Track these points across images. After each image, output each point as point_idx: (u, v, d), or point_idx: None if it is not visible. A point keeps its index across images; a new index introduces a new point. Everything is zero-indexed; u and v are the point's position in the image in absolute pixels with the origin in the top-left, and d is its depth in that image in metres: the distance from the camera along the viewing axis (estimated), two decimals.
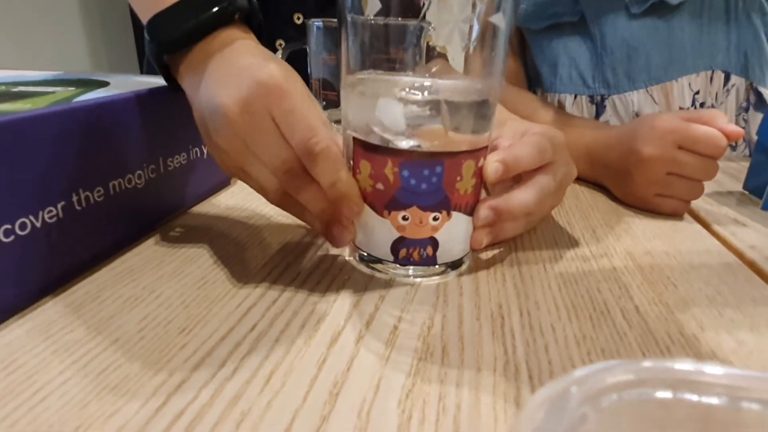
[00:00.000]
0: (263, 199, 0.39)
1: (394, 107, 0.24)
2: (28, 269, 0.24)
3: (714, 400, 0.11)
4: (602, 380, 0.11)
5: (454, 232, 0.26)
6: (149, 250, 0.30)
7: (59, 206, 0.25)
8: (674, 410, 0.11)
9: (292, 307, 0.25)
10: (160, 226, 0.33)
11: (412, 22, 0.25)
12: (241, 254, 0.30)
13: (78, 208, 0.26)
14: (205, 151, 0.38)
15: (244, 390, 0.19)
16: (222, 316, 0.24)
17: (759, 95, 0.53)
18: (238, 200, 0.39)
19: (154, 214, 0.33)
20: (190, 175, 0.36)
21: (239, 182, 0.43)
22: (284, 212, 0.36)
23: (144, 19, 0.29)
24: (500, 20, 0.24)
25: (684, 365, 0.11)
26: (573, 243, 0.33)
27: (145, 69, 0.68)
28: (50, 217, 0.24)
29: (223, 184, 0.42)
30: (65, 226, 0.25)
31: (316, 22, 0.47)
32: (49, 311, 0.24)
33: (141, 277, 0.27)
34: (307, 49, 0.48)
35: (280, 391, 0.19)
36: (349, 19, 0.25)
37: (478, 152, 0.25)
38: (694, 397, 0.11)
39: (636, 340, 0.23)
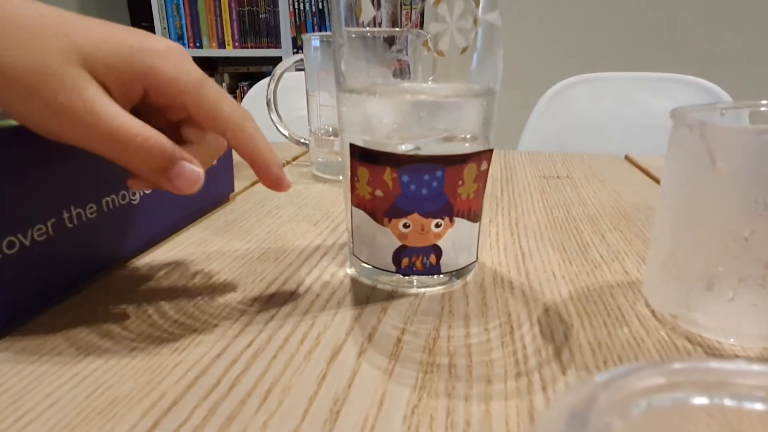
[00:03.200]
0: (263, 215, 0.39)
1: (390, 111, 0.23)
2: (17, 289, 0.23)
3: (759, 406, 0.09)
4: (630, 385, 0.10)
5: (457, 239, 0.25)
6: (144, 267, 0.29)
7: (49, 224, 0.24)
8: (712, 418, 0.09)
9: (291, 322, 0.23)
10: (156, 243, 0.33)
11: (407, 29, 0.25)
12: (239, 270, 0.29)
13: (69, 225, 0.25)
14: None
15: (239, 410, 0.18)
16: (217, 333, 0.23)
17: None
18: (237, 216, 0.38)
19: (150, 230, 0.32)
20: None
21: (239, 198, 0.42)
22: (282, 228, 0.36)
23: None
24: (497, 19, 0.23)
25: (722, 365, 0.10)
26: (582, 248, 0.32)
27: None
28: (40, 235, 0.24)
29: (222, 200, 0.41)
30: (56, 245, 0.24)
31: (314, 38, 0.47)
32: (38, 332, 0.23)
33: (134, 295, 0.26)
34: (303, 65, 0.48)
35: (277, 411, 0.18)
36: (342, 27, 0.24)
37: (479, 155, 0.24)
38: (735, 403, 0.09)
39: (654, 346, 0.22)
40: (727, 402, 0.09)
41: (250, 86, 1.10)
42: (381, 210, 0.24)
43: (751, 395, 0.09)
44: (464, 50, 0.24)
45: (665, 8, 1.54)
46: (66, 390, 0.19)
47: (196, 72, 0.22)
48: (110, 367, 0.20)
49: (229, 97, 0.23)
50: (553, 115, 0.93)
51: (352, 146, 0.24)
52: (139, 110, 0.23)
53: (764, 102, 0.23)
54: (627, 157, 0.59)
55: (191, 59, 0.23)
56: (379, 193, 0.24)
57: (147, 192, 0.31)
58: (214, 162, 0.26)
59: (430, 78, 0.25)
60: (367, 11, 0.25)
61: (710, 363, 0.10)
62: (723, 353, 0.21)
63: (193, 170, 0.22)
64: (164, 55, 0.22)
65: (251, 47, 1.87)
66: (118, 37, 0.21)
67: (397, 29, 0.25)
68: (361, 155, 0.24)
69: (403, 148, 0.24)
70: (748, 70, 1.54)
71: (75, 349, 0.21)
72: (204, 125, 0.24)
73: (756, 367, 0.10)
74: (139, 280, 0.27)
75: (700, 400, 0.10)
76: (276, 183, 0.24)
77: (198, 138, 0.25)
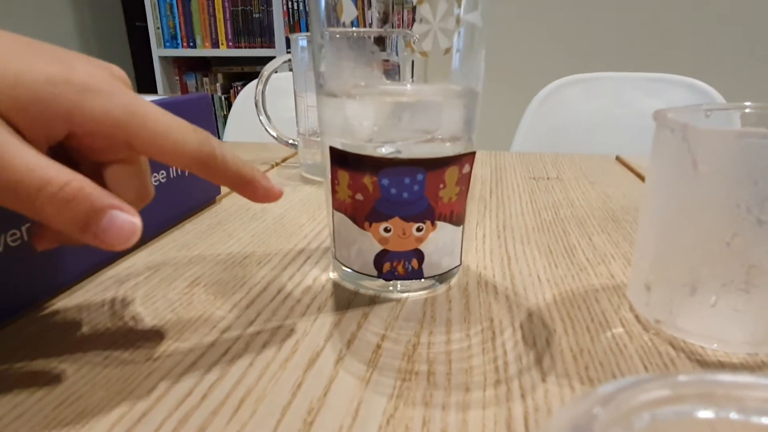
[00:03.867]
0: (247, 218, 0.38)
1: (369, 113, 0.23)
2: None
3: (766, 420, 0.09)
4: (633, 397, 0.09)
5: (440, 243, 0.25)
6: (123, 271, 0.29)
7: (24, 229, 0.24)
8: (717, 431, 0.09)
9: (270, 328, 0.23)
10: (137, 247, 0.32)
11: (386, 29, 0.24)
12: (220, 274, 0.28)
13: None
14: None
15: (211, 420, 0.17)
16: (194, 340, 0.22)
17: None
18: (221, 218, 0.38)
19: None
20: (171, 193, 0.35)
21: (224, 200, 0.42)
22: (267, 231, 0.35)
23: None
24: (478, 19, 0.23)
25: (729, 378, 0.10)
26: (569, 251, 0.32)
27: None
28: (13, 241, 0.23)
29: (206, 202, 0.41)
30: (31, 251, 0.24)
31: (301, 38, 0.46)
32: (11, 339, 0.22)
33: (112, 300, 0.25)
34: (292, 65, 0.47)
35: (250, 421, 0.17)
36: (322, 27, 0.24)
37: (461, 158, 0.24)
38: (742, 417, 0.09)
39: (637, 352, 0.21)
40: (734, 416, 0.09)
41: (244, 86, 1.10)
42: (361, 214, 0.24)
43: (758, 409, 0.09)
44: (447, 51, 0.24)
45: (659, 8, 1.54)
46: (35, 400, 0.18)
47: (133, 100, 0.19)
48: (82, 376, 0.20)
49: (179, 120, 0.20)
50: (546, 116, 0.92)
51: (332, 149, 0.24)
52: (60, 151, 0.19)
53: (748, 104, 0.23)
54: (618, 158, 0.58)
55: (126, 80, 0.20)
56: (359, 196, 0.24)
57: None
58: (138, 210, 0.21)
59: (411, 79, 0.25)
60: (349, 11, 0.24)
61: (717, 375, 0.10)
62: (706, 359, 0.21)
63: (125, 221, 0.17)
64: (90, 85, 0.18)
65: (245, 47, 1.86)
66: (34, 68, 0.17)
67: (381, 30, 0.25)
68: (340, 158, 0.24)
69: (383, 150, 0.23)
70: (742, 71, 1.54)
71: (47, 358, 0.21)
72: (158, 159, 0.20)
73: (764, 380, 0.09)
74: (116, 285, 0.27)
75: (706, 414, 0.09)
76: (268, 196, 0.22)
77: (123, 182, 0.21)
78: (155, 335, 0.22)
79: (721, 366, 0.20)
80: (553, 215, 0.39)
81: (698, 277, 0.20)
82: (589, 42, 1.61)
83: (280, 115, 0.55)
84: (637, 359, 0.21)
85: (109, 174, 0.20)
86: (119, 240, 0.17)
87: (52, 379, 0.20)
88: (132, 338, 0.22)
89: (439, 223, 0.24)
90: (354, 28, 0.24)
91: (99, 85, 0.18)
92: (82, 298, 0.26)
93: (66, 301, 0.25)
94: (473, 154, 0.25)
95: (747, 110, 0.23)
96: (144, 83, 2.10)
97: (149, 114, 0.19)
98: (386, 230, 0.24)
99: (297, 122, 0.49)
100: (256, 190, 0.22)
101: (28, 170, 0.16)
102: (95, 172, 0.20)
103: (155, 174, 0.33)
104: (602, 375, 0.20)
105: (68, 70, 0.18)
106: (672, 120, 0.20)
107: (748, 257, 0.19)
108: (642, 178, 0.50)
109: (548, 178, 0.49)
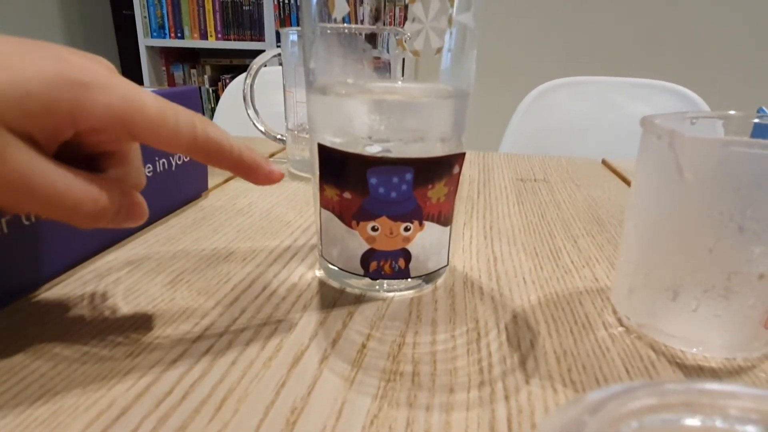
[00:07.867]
0: (233, 213, 0.38)
1: (359, 111, 0.23)
2: None
3: (751, 429, 0.09)
4: (622, 405, 0.09)
5: (427, 244, 0.25)
6: (105, 266, 0.28)
7: (3, 222, 0.23)
8: None
9: (254, 326, 0.23)
10: (119, 241, 0.31)
11: (378, 27, 0.24)
12: (204, 270, 0.28)
13: (26, 222, 0.24)
14: (173, 163, 0.36)
15: (191, 420, 0.17)
16: (175, 337, 0.22)
17: None
18: (207, 213, 0.37)
19: (115, 228, 0.31)
20: (156, 188, 0.34)
21: (211, 195, 0.41)
22: (253, 227, 0.35)
23: None
24: (470, 20, 0.23)
25: (714, 386, 0.10)
26: (554, 253, 0.32)
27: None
28: None
29: (193, 198, 0.40)
30: (11, 243, 0.23)
31: (291, 32, 0.46)
32: None
33: (92, 295, 0.25)
34: (281, 59, 0.47)
35: (231, 420, 0.17)
36: (313, 22, 0.24)
37: (450, 158, 0.24)
38: (727, 425, 0.09)
39: (619, 355, 0.21)
40: (719, 424, 0.09)
41: (233, 79, 1.08)
42: (349, 212, 0.24)
43: (743, 418, 0.09)
44: (438, 50, 0.23)
45: (648, 15, 1.56)
46: (9, 397, 0.18)
47: (130, 89, 0.18)
48: (58, 372, 0.19)
49: (175, 107, 0.19)
50: (535, 118, 0.93)
51: (320, 146, 0.24)
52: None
53: (733, 113, 0.23)
54: (604, 162, 0.59)
55: (114, 72, 0.20)
56: (347, 195, 0.24)
57: None
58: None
59: (402, 78, 0.25)
60: (341, 7, 0.24)
61: (704, 384, 0.10)
62: (686, 362, 0.21)
63: (140, 212, 0.21)
64: (88, 82, 0.17)
65: (234, 39, 1.84)
66: (38, 74, 0.16)
67: (373, 27, 0.24)
68: (328, 156, 0.23)
69: (372, 149, 0.23)
70: (726, 79, 1.57)
71: (23, 354, 0.20)
72: (156, 146, 0.20)
73: (750, 390, 0.10)
74: (97, 280, 0.26)
75: (692, 422, 0.10)
76: (269, 179, 0.22)
77: (123, 172, 0.21)
78: (136, 331, 0.22)
79: (700, 370, 0.21)
80: (540, 217, 0.39)
81: (681, 282, 0.21)
82: (578, 46, 1.62)
83: (269, 110, 0.55)
84: (619, 362, 0.21)
85: (108, 166, 0.21)
86: (136, 223, 0.21)
87: (29, 374, 0.19)
88: (111, 334, 0.22)
89: (426, 223, 0.24)
90: (345, 25, 0.24)
91: (97, 79, 0.18)
92: (62, 292, 0.25)
93: (45, 296, 0.25)
94: (463, 155, 0.25)
95: (731, 118, 0.23)
96: (130, 73, 2.06)
97: (146, 103, 0.18)
98: (374, 229, 0.24)
99: (286, 117, 0.48)
100: (257, 175, 0.22)
101: (59, 194, 0.17)
102: (93, 161, 0.21)
103: None
104: (585, 378, 0.20)
105: (65, 68, 0.17)
106: (659, 126, 0.20)
107: (729, 264, 0.19)
108: (627, 182, 0.50)
109: (535, 180, 0.50)
